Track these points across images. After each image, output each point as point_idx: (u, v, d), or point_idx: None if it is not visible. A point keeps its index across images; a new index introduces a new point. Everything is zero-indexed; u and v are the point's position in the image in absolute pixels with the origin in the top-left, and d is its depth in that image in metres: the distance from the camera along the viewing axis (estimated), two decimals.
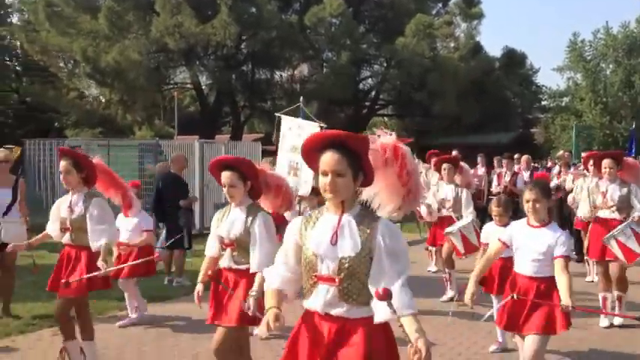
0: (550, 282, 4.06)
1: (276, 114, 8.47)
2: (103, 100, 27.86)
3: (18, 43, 30.10)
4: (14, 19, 33.73)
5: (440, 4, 25.87)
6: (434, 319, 6.28)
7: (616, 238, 6.07)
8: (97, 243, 4.64)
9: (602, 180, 6.45)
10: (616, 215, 6.33)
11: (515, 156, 11.89)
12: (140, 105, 24.26)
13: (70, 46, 21.42)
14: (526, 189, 4.12)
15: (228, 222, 4.01)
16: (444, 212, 7.42)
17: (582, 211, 6.71)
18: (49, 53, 23.28)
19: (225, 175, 3.98)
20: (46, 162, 15.79)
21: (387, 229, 2.58)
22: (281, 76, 25.64)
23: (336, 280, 2.54)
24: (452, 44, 23.94)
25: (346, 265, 2.53)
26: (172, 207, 8.33)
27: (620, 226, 6.05)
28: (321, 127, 7.49)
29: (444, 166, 7.43)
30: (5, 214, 6.33)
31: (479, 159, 12.60)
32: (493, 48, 73.26)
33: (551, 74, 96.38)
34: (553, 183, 12.73)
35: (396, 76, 22.96)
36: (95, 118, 27.50)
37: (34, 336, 6.00)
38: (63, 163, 4.67)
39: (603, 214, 6.46)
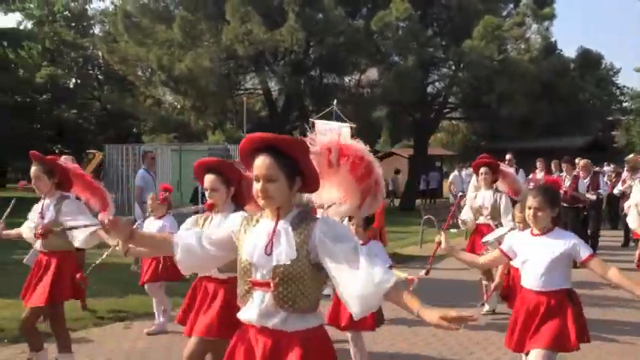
0: (561, 295, 3.70)
1: (310, 119, 8.54)
2: (178, 107, 28.93)
3: (100, 54, 31.77)
4: (96, 30, 35.68)
5: (511, 5, 25.28)
6: (469, 331, 6.14)
7: None
8: (83, 234, 4.42)
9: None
10: None
11: (576, 160, 11.34)
12: (212, 110, 25.03)
13: (146, 56, 22.39)
14: (529, 194, 3.79)
15: (211, 228, 3.72)
16: (482, 219, 7.00)
17: (632, 221, 6.07)
18: (128, 62, 24.38)
19: (208, 179, 3.81)
20: (125, 166, 16.67)
21: (325, 224, 2.44)
22: (349, 80, 25.81)
23: (271, 284, 2.41)
24: (522, 45, 23.36)
25: (281, 270, 2.39)
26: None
27: None
28: (352, 128, 7.40)
29: (482, 170, 6.92)
30: None
31: (537, 163, 12.11)
32: (569, 49, 70.79)
33: (634, 75, 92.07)
34: (617, 190, 12.13)
35: (464, 79, 22.66)
36: (170, 124, 28.64)
37: (108, 328, 6.40)
38: (33, 169, 4.59)
39: None
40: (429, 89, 25.63)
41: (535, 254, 3.71)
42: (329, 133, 8.02)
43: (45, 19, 33.51)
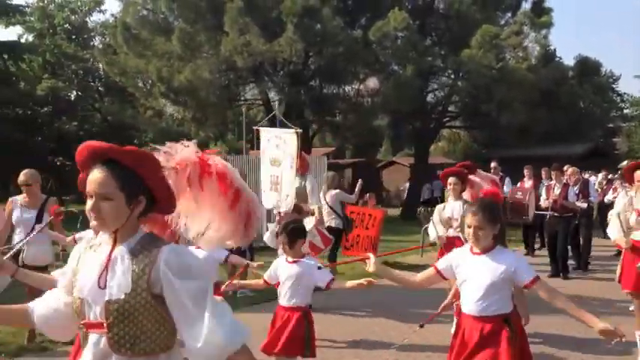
0: (497, 322, 3.27)
1: (255, 127, 8.21)
2: (179, 117, 29.00)
3: (100, 66, 31.91)
4: (96, 42, 35.86)
5: (509, 14, 25.38)
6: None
7: None
8: None
9: (637, 194, 5.38)
10: None
11: (565, 167, 10.94)
12: (212, 122, 25.09)
13: (146, 67, 22.47)
14: (468, 211, 3.42)
15: None
16: (451, 232, 6.58)
17: (612, 232, 5.54)
18: (127, 74, 24.46)
19: None
20: None
21: (173, 253, 2.04)
22: (350, 90, 25.88)
23: (104, 325, 2.03)
24: (520, 54, 23.44)
25: (115, 307, 2.01)
26: None
27: None
28: (297, 133, 7.16)
29: (450, 180, 6.56)
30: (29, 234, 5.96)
31: (525, 171, 11.66)
32: (569, 57, 71.05)
33: (634, 82, 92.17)
34: (608, 198, 11.87)
35: (463, 88, 22.72)
36: (171, 135, 28.67)
37: None
38: None
39: (638, 236, 5.40)
40: (429, 98, 25.70)
41: (473, 275, 3.35)
42: (272, 140, 7.61)
43: (46, 31, 33.66)
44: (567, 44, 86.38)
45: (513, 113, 21.71)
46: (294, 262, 4.54)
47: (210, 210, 2.45)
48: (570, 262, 10.69)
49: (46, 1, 35.12)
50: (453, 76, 24.01)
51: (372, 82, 25.04)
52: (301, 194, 7.83)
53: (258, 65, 21.90)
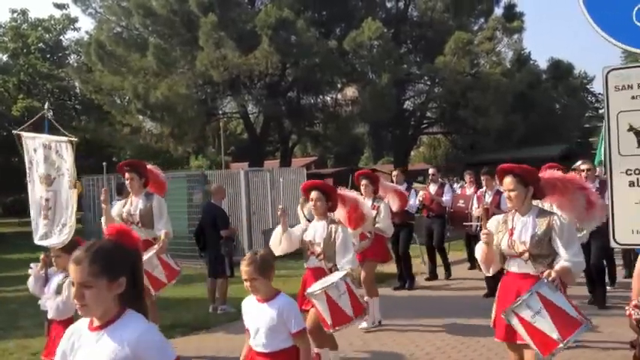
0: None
1: (14, 131, 5.80)
2: (157, 133, 28.78)
3: (76, 84, 31.62)
4: (71, 60, 35.54)
5: (482, 19, 25.72)
6: None
7: (516, 312, 3.61)
8: None
9: (510, 211, 4.11)
10: (530, 268, 3.90)
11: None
12: (190, 137, 24.95)
13: (121, 85, 22.35)
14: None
15: None
16: (314, 261, 5.14)
17: (477, 252, 4.30)
18: (103, 92, 24.28)
19: None
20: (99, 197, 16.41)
21: None
22: (327, 99, 25.98)
23: None
24: (494, 59, 23.75)
25: None
26: (214, 236, 8.56)
27: (524, 295, 3.63)
28: (72, 143, 5.31)
29: (313, 194, 5.16)
30: None
31: (466, 176, 10.43)
32: (542, 60, 71.97)
33: None
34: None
35: (439, 95, 22.95)
36: (150, 152, 28.45)
37: None
38: None
39: (513, 265, 4.01)
40: (406, 105, 25.90)
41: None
42: (40, 150, 5.38)
43: (19, 51, 33.29)
44: (542, 47, 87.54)
45: (489, 117, 21.94)
46: None
47: None
48: None
49: (19, 21, 34.80)
50: (429, 83, 24.23)
51: (350, 92, 25.17)
52: (147, 216, 6.42)
53: (235, 78, 21.88)
